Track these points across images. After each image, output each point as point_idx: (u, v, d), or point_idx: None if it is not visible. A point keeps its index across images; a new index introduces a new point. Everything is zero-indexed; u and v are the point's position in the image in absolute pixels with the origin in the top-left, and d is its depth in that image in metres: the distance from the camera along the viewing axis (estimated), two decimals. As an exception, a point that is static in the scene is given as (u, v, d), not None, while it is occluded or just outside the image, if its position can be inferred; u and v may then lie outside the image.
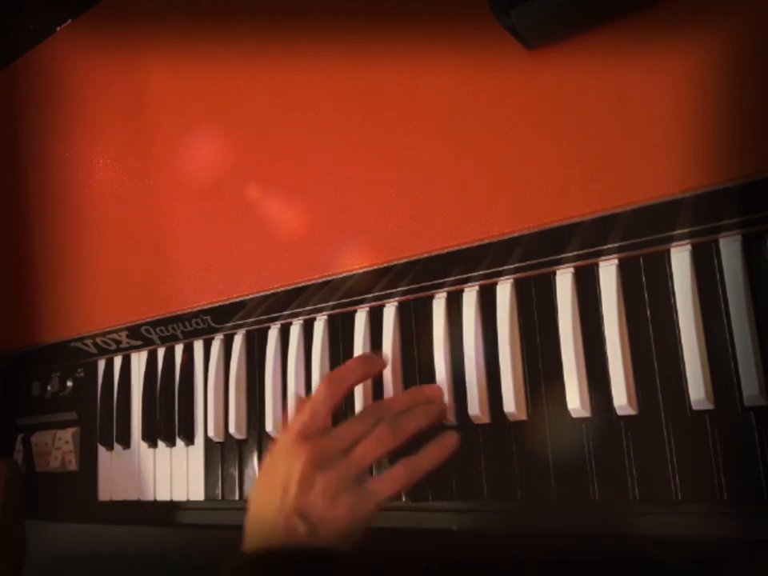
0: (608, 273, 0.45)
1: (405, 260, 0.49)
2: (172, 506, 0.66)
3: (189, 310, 0.62)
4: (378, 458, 0.46)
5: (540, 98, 0.44)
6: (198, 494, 0.64)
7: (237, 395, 0.62)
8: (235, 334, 0.63)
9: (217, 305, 0.60)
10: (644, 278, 0.44)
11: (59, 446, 0.75)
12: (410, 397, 0.49)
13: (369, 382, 0.53)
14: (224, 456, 0.63)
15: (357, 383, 0.50)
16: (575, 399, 0.44)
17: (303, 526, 0.43)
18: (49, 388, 0.78)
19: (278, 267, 0.55)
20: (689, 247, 0.42)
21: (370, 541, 0.48)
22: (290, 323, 0.60)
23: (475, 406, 0.48)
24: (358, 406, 0.54)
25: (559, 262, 0.46)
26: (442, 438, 0.47)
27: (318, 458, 0.45)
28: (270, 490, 0.46)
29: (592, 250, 0.45)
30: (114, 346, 0.72)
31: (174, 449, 0.67)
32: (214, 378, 0.63)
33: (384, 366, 0.51)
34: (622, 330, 0.44)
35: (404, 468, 0.46)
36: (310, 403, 0.48)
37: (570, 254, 0.46)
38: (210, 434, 0.63)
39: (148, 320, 0.65)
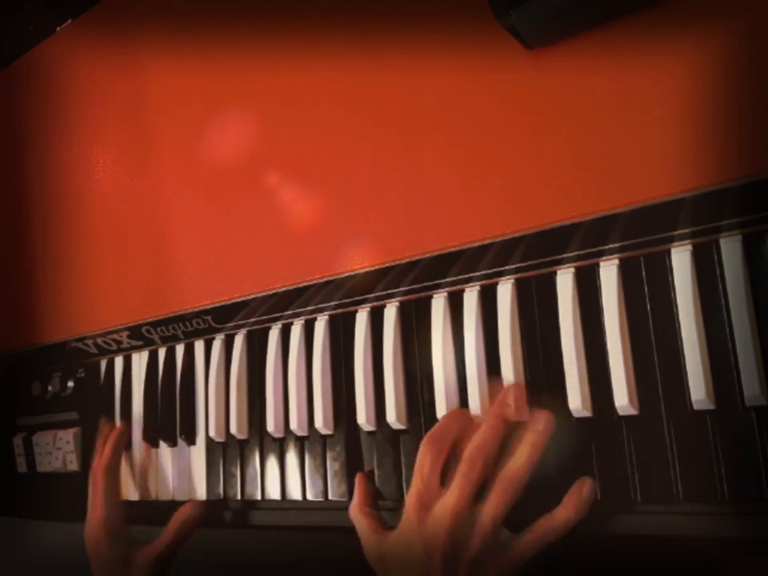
0: (609, 273, 0.45)
1: (405, 260, 0.49)
2: (174, 506, 0.66)
3: (189, 310, 0.62)
4: (504, 516, 0.44)
5: (540, 97, 0.44)
6: (199, 493, 0.64)
7: (238, 395, 0.62)
8: (236, 334, 0.63)
9: (217, 305, 0.60)
10: (645, 278, 0.44)
11: (60, 447, 0.75)
12: (499, 425, 0.46)
13: (371, 384, 0.54)
14: (225, 456, 0.63)
15: (455, 439, 0.47)
16: (576, 399, 0.44)
17: None
18: (50, 388, 0.78)
19: (278, 267, 0.55)
20: (689, 247, 0.42)
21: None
22: (291, 323, 0.60)
23: (476, 407, 0.48)
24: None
25: (560, 262, 0.46)
26: (533, 423, 0.45)
27: (453, 537, 0.43)
28: (408, 571, 0.45)
29: (593, 250, 0.45)
30: (114, 347, 0.72)
31: (175, 449, 0.67)
32: (215, 378, 0.63)
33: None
34: (622, 329, 0.44)
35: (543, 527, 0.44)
36: (418, 471, 0.46)
37: (571, 254, 0.46)
38: (212, 433, 0.63)
39: (149, 320, 0.65)
